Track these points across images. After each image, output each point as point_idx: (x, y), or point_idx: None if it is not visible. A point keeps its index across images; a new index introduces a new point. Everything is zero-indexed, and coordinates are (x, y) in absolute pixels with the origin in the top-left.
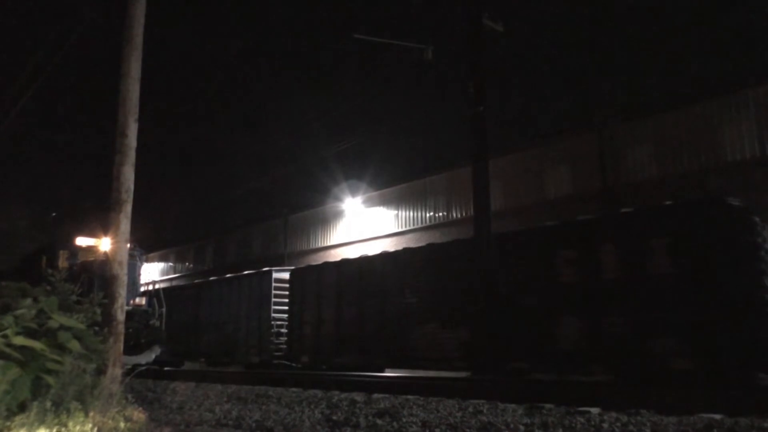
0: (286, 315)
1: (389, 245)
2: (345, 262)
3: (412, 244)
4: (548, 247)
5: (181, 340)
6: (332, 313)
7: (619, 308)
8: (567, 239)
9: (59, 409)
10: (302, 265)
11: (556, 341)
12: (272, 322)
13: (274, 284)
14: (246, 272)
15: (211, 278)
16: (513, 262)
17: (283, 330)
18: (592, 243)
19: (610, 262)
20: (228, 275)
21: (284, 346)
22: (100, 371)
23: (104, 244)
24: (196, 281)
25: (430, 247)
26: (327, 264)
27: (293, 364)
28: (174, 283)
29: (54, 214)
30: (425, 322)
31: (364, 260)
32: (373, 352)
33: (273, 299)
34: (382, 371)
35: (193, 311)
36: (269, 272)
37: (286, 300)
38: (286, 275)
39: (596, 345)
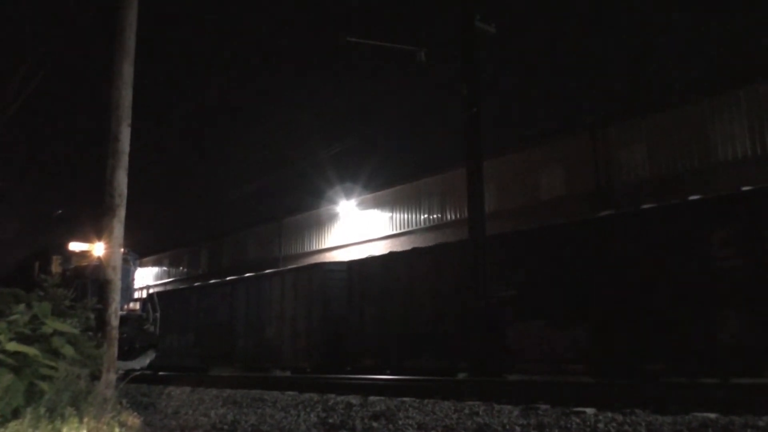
0: (340, 314)
1: (384, 248)
2: (416, 252)
3: (407, 247)
4: (697, 226)
5: (210, 344)
6: (400, 310)
7: None
8: (724, 216)
9: (53, 415)
10: (362, 257)
11: (708, 338)
12: (325, 322)
13: (325, 280)
14: (291, 267)
15: (247, 275)
16: (646, 247)
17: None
18: (762, 219)
19: None
20: (268, 270)
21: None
22: (95, 377)
23: (98, 248)
24: (229, 278)
25: (535, 231)
26: (393, 254)
27: (348, 368)
28: (168, 287)
29: (60, 211)
30: (527, 319)
31: (440, 249)
32: (454, 353)
33: (325, 296)
34: (455, 375)
35: (225, 312)
36: (320, 265)
37: (341, 297)
38: (340, 268)
39: None
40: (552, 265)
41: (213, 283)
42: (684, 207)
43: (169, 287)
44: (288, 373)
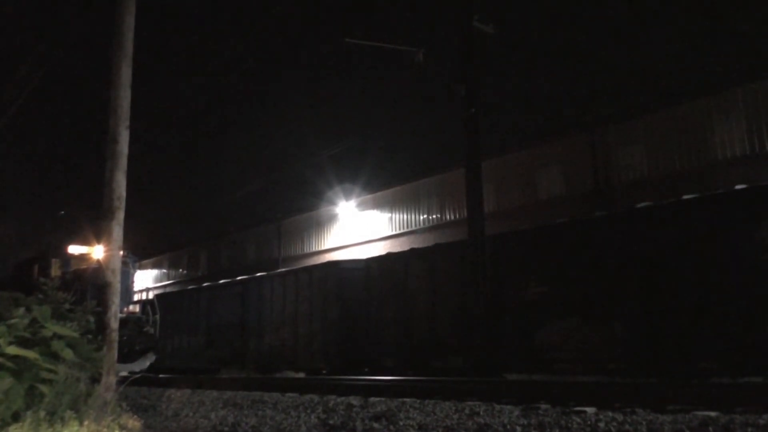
0: (357, 313)
1: (384, 248)
2: (439, 248)
3: (406, 247)
4: (742, 218)
5: (222, 345)
6: (424, 308)
7: None
8: None
9: (53, 418)
10: (380, 254)
11: (755, 334)
12: (342, 322)
13: (342, 278)
14: (306, 266)
15: (259, 274)
16: (688, 240)
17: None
18: None
19: None
20: (282, 269)
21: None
22: (95, 380)
23: (97, 251)
24: (240, 278)
25: (567, 225)
26: (415, 251)
27: (366, 369)
28: (168, 289)
29: (62, 213)
30: (561, 317)
31: (465, 245)
32: (483, 353)
33: (342, 295)
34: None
35: (237, 312)
36: (336, 263)
37: (359, 295)
38: (357, 266)
39: None
40: (586, 259)
41: (223, 282)
42: (728, 198)
43: (168, 289)
44: (302, 375)
